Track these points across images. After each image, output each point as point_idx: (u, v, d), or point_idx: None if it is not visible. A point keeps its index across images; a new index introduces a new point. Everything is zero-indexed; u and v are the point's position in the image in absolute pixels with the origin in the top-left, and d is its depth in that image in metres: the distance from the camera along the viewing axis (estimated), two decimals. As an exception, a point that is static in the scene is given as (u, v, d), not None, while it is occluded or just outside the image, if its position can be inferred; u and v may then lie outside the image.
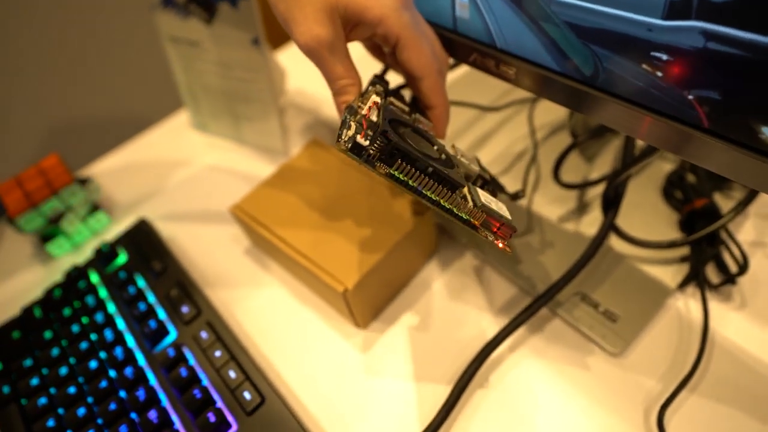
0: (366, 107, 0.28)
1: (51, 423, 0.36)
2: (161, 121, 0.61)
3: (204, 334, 0.38)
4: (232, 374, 0.36)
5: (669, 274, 0.38)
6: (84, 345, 0.39)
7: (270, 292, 0.43)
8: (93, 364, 0.38)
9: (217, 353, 0.37)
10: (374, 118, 0.28)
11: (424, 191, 0.26)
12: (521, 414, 0.34)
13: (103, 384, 0.37)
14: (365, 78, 0.34)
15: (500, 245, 0.27)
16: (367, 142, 0.26)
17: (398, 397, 0.36)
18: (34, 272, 0.48)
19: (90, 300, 0.42)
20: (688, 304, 0.37)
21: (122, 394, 0.36)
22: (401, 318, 0.40)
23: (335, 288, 0.35)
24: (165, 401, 0.36)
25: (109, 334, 0.39)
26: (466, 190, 0.28)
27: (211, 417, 0.33)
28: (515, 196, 0.35)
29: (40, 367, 0.39)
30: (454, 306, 0.40)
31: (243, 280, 0.44)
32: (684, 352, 0.35)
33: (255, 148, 0.56)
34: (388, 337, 0.39)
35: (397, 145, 0.26)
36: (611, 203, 0.38)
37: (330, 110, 0.58)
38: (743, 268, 0.36)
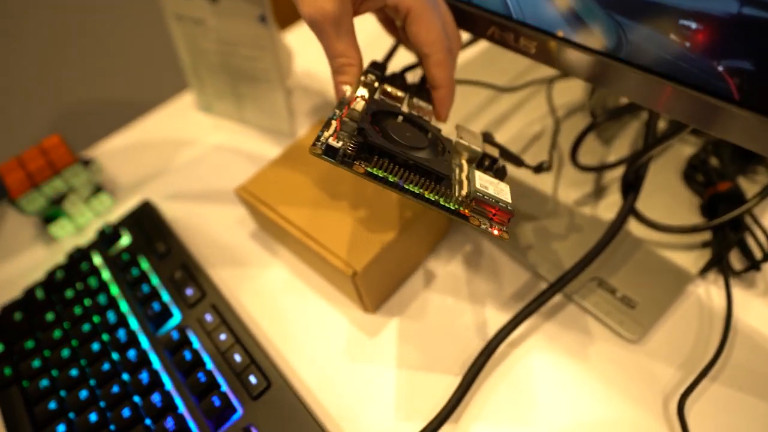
0: (345, 108, 0.27)
1: (53, 405, 0.35)
2: (165, 103, 0.60)
3: (209, 317, 0.37)
4: (238, 358, 0.35)
5: (690, 260, 0.37)
6: (86, 327, 0.38)
7: (276, 275, 0.42)
8: (95, 346, 0.37)
9: (222, 336, 0.36)
10: (357, 110, 0.27)
11: (406, 186, 0.25)
12: (535, 401, 0.33)
13: (106, 367, 0.36)
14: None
15: (495, 232, 0.26)
16: (340, 143, 0.25)
17: (407, 383, 0.34)
18: (36, 254, 0.47)
19: (93, 282, 0.41)
20: (709, 291, 0.36)
21: (125, 377, 0.36)
22: (411, 302, 0.38)
23: (344, 271, 0.34)
24: (169, 384, 0.35)
25: (111, 317, 0.38)
26: (456, 175, 0.27)
27: (216, 401, 0.32)
28: (539, 168, 0.33)
29: (42, 350, 0.38)
30: (465, 291, 0.39)
31: (248, 263, 0.43)
32: (705, 340, 0.34)
33: (261, 130, 0.54)
34: (397, 322, 0.38)
35: (372, 141, 0.25)
36: (631, 186, 0.36)
37: (338, 92, 0.57)
38: (768, 254, 0.34)
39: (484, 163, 0.31)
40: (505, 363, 0.35)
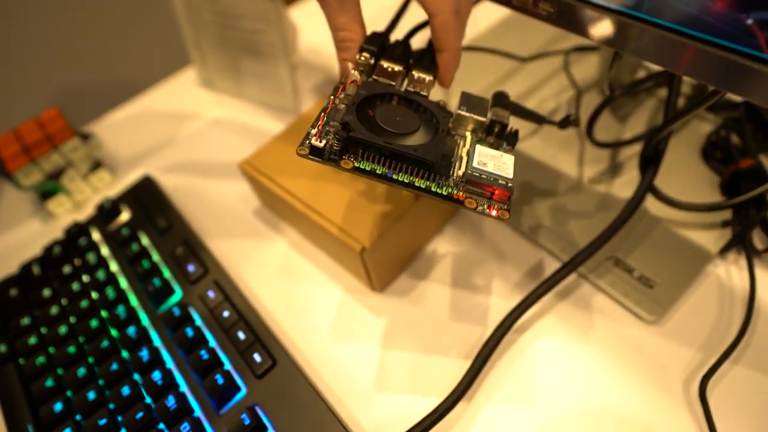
0: (333, 97, 0.27)
1: (49, 383, 0.34)
2: (166, 79, 0.58)
3: (211, 294, 0.36)
4: (241, 335, 0.34)
5: (709, 240, 0.36)
6: (84, 303, 0.37)
7: (280, 253, 0.40)
8: (94, 323, 0.36)
9: (225, 313, 0.35)
10: (343, 103, 0.27)
11: (395, 176, 0.25)
12: (549, 383, 0.32)
13: (105, 344, 0.35)
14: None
15: (494, 213, 0.25)
16: (323, 142, 0.25)
17: (414, 363, 0.33)
18: (33, 230, 0.46)
19: (91, 257, 0.39)
20: (729, 271, 0.35)
21: (125, 354, 0.34)
22: (419, 281, 0.37)
23: (352, 247, 0.33)
24: (170, 362, 0.34)
25: (110, 293, 0.37)
26: (458, 150, 0.27)
27: (219, 379, 0.31)
28: (565, 122, 0.31)
29: (39, 326, 0.37)
30: (475, 270, 0.37)
31: (252, 240, 0.42)
32: (725, 321, 0.33)
33: (264, 107, 0.53)
34: (406, 301, 0.36)
35: (355, 136, 0.24)
36: (650, 162, 0.35)
37: (344, 69, 0.55)
38: (793, 232, 0.33)
39: (493, 129, 0.29)
40: (518, 343, 0.33)
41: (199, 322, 0.35)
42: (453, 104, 0.30)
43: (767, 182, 0.34)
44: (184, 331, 0.34)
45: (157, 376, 0.32)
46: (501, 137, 0.29)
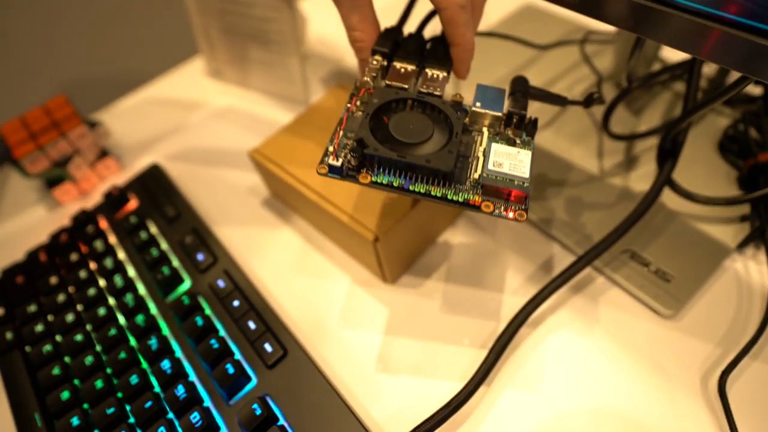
0: (341, 128, 0.28)
1: (56, 371, 0.33)
2: (174, 68, 0.58)
3: (221, 283, 0.35)
4: (252, 325, 0.33)
5: (727, 234, 0.35)
6: (92, 291, 0.36)
7: (290, 243, 0.40)
8: (101, 311, 0.35)
9: (236, 303, 0.34)
10: (356, 120, 0.28)
11: (411, 188, 0.25)
12: (564, 377, 0.31)
13: (113, 332, 0.34)
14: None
15: (510, 215, 0.25)
16: (340, 161, 0.26)
17: (427, 356, 0.33)
18: (39, 218, 0.45)
19: (99, 245, 0.39)
20: (747, 266, 0.34)
21: (133, 342, 0.34)
22: (432, 273, 0.37)
23: (365, 236, 0.32)
24: (179, 351, 0.33)
25: (118, 281, 0.37)
26: (474, 150, 0.27)
27: (230, 368, 0.31)
28: (589, 101, 0.30)
29: (46, 314, 0.37)
30: (489, 262, 0.37)
31: (261, 231, 0.41)
32: (744, 316, 0.32)
33: (274, 97, 0.52)
34: (418, 293, 0.36)
35: (369, 153, 0.25)
36: (669, 154, 0.34)
37: (352, 60, 0.54)
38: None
39: (512, 120, 0.28)
40: (532, 337, 0.33)
41: (208, 311, 0.35)
42: (471, 92, 0.29)
43: (787, 176, 0.33)
44: (193, 320, 0.33)
45: (166, 365, 0.32)
46: (520, 127, 0.28)
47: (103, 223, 0.41)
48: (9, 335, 0.36)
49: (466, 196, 0.25)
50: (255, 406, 0.29)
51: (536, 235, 0.38)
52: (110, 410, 0.31)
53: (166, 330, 0.35)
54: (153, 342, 0.33)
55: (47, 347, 0.34)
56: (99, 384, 0.32)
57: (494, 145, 0.27)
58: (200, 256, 0.37)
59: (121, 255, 0.39)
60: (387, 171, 0.25)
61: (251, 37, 0.49)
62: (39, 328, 0.36)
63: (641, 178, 0.39)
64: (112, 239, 0.40)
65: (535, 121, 0.29)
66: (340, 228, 0.35)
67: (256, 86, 0.53)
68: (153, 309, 0.36)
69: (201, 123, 0.51)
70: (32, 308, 0.37)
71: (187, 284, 0.36)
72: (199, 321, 0.33)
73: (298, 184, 0.36)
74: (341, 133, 0.27)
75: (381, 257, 0.34)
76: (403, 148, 0.26)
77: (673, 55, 0.44)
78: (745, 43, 0.23)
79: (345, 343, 0.34)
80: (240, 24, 0.49)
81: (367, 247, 0.33)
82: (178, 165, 0.47)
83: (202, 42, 0.54)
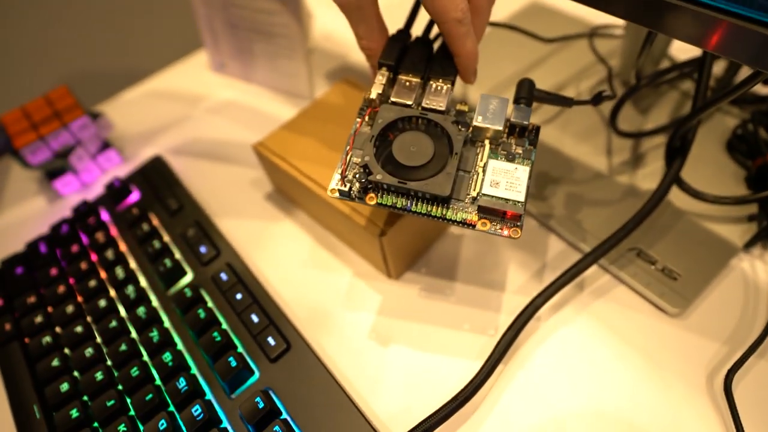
0: (349, 147, 0.29)
1: (56, 363, 0.33)
2: (178, 62, 0.57)
3: (224, 276, 0.35)
4: (255, 318, 0.33)
5: (735, 233, 0.35)
6: (93, 283, 0.36)
7: (294, 238, 0.40)
8: (102, 302, 0.35)
9: (238, 296, 0.34)
10: (360, 147, 0.29)
11: (413, 210, 0.27)
12: (568, 374, 0.31)
13: (113, 324, 0.34)
14: None
15: (505, 233, 0.26)
16: (348, 186, 0.28)
17: (432, 352, 0.33)
18: (40, 210, 0.45)
19: (100, 236, 0.39)
20: (754, 265, 0.34)
21: (133, 334, 0.34)
22: (436, 269, 0.36)
23: (371, 231, 0.32)
24: (180, 344, 0.33)
25: (119, 273, 0.36)
26: (475, 164, 0.28)
27: (232, 361, 0.30)
28: (598, 99, 0.30)
29: (45, 305, 0.36)
30: (494, 260, 0.36)
31: (264, 225, 0.41)
32: (750, 315, 0.32)
33: (278, 92, 0.52)
34: (422, 289, 0.36)
35: (373, 180, 0.27)
36: (677, 152, 0.34)
37: (358, 56, 0.54)
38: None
39: (514, 131, 0.29)
40: (537, 333, 0.33)
41: (211, 303, 0.34)
42: (479, 92, 0.29)
43: (796, 176, 0.33)
44: (196, 313, 0.33)
45: (167, 357, 0.31)
46: (522, 136, 0.29)
47: (105, 215, 0.41)
48: (8, 326, 0.35)
49: (463, 216, 0.27)
50: (258, 399, 0.29)
51: (541, 232, 0.38)
52: (110, 402, 0.30)
53: (167, 322, 0.34)
54: (154, 334, 0.33)
55: (47, 339, 0.34)
56: (99, 376, 0.31)
57: (491, 163, 0.28)
58: (203, 249, 0.37)
59: (123, 247, 0.39)
60: (391, 194, 0.27)
61: (256, 31, 0.49)
62: (38, 319, 0.35)
63: (648, 177, 0.39)
64: (114, 231, 0.40)
65: (538, 129, 0.29)
66: (345, 222, 0.35)
67: (260, 81, 0.53)
68: (154, 301, 0.35)
69: (204, 116, 0.51)
70: (32, 299, 0.36)
71: (189, 277, 0.36)
72: (202, 313, 0.33)
73: (303, 178, 0.36)
74: (349, 155, 0.29)
75: (386, 252, 0.34)
76: (404, 172, 0.27)
77: (681, 54, 0.44)
78: (757, 36, 0.23)
79: (348, 338, 0.34)
80: (245, 17, 0.49)
81: (373, 242, 0.33)
82: (181, 158, 0.47)
83: (207, 35, 0.53)
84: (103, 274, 0.37)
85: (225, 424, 0.29)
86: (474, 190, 0.28)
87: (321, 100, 0.41)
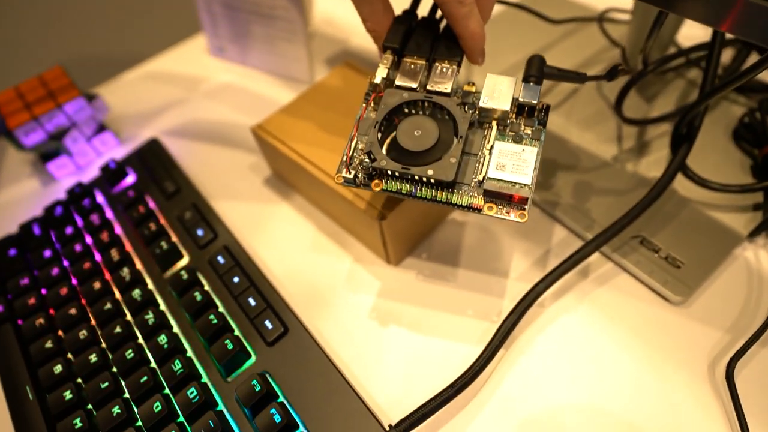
0: (357, 122, 0.29)
1: (49, 344, 0.32)
2: (176, 45, 0.56)
3: (221, 259, 0.34)
4: (252, 302, 0.32)
5: (739, 222, 0.35)
6: (87, 265, 0.35)
7: (292, 222, 0.39)
8: (96, 284, 0.34)
9: (235, 279, 0.33)
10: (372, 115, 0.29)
11: (418, 195, 0.27)
12: (570, 361, 0.31)
13: (108, 306, 0.33)
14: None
15: (512, 216, 0.26)
16: (353, 173, 0.28)
17: (431, 338, 0.32)
18: (34, 192, 0.44)
19: (94, 218, 0.38)
20: (758, 254, 0.34)
21: (128, 317, 0.33)
22: (437, 254, 0.36)
23: (370, 214, 0.31)
24: (176, 327, 0.32)
25: (114, 255, 0.36)
26: (482, 147, 0.28)
27: (229, 344, 0.30)
28: (613, 73, 0.29)
29: (39, 287, 0.36)
30: (495, 246, 0.36)
31: (262, 208, 0.40)
32: (753, 304, 0.32)
33: (277, 76, 0.51)
34: (422, 275, 0.35)
35: (378, 167, 0.26)
36: (683, 139, 0.34)
37: (359, 41, 0.53)
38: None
39: (523, 110, 0.28)
40: (539, 320, 0.32)
41: (207, 287, 0.34)
42: (485, 73, 0.29)
43: (802, 164, 0.32)
44: (192, 295, 0.32)
45: (162, 340, 0.31)
46: (531, 116, 0.28)
47: (100, 197, 0.40)
48: (1, 308, 0.35)
49: (469, 200, 0.27)
50: (254, 382, 0.28)
51: (544, 219, 0.37)
52: (104, 384, 0.30)
53: (163, 305, 0.34)
54: (149, 317, 0.32)
55: (40, 320, 0.33)
56: (93, 358, 0.31)
57: (498, 145, 0.27)
58: (200, 232, 0.36)
59: (118, 229, 0.38)
60: (395, 179, 0.27)
61: (255, 13, 0.48)
62: (32, 301, 0.35)
63: (653, 165, 0.38)
64: (109, 213, 0.39)
65: (547, 108, 0.28)
66: (345, 206, 0.34)
67: (260, 65, 0.52)
68: (150, 284, 0.35)
69: (202, 100, 0.50)
70: (25, 281, 0.36)
71: (185, 260, 0.36)
72: (198, 296, 0.32)
73: (302, 161, 0.35)
74: (354, 141, 0.29)
75: (386, 237, 0.33)
76: (409, 157, 0.27)
77: (688, 42, 0.44)
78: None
79: (346, 322, 0.33)
80: (244, 0, 0.48)
81: (373, 226, 0.33)
82: (179, 141, 0.46)
83: (205, 18, 0.52)
84: (98, 257, 0.36)
85: (221, 407, 0.29)
86: (480, 173, 0.27)
87: (321, 83, 0.40)
